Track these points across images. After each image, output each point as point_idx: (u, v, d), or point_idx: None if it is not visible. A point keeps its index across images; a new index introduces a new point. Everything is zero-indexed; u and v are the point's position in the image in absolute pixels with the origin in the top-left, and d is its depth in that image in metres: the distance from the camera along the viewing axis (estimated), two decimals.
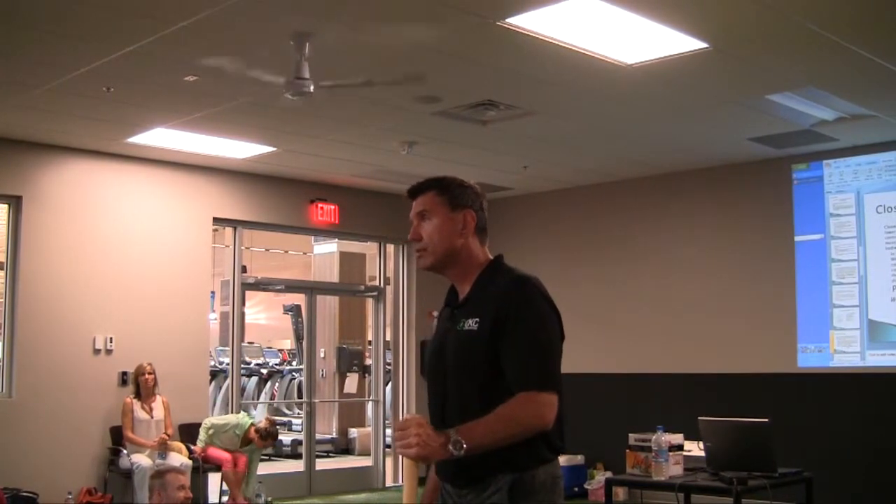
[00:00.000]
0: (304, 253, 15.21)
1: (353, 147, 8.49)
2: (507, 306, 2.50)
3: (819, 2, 5.15)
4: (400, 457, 2.41)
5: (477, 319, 2.54)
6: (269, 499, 8.76)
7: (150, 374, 8.26)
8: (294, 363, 14.51)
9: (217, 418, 8.84)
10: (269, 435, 8.62)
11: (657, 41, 5.68)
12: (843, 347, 8.39)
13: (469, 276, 2.66)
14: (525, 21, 5.33)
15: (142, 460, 7.92)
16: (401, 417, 8.87)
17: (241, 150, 8.54)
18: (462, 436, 2.30)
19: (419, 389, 10.54)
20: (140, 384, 8.24)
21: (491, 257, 2.71)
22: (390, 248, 11.04)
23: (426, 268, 2.69)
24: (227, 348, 10.61)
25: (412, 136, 8.07)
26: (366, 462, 11.01)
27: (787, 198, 8.78)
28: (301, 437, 11.05)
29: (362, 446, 12.34)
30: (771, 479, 5.27)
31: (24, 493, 7.61)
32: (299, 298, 12.92)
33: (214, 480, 8.76)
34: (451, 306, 2.70)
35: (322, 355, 12.94)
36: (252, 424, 8.64)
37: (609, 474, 8.81)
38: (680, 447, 5.52)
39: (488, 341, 2.50)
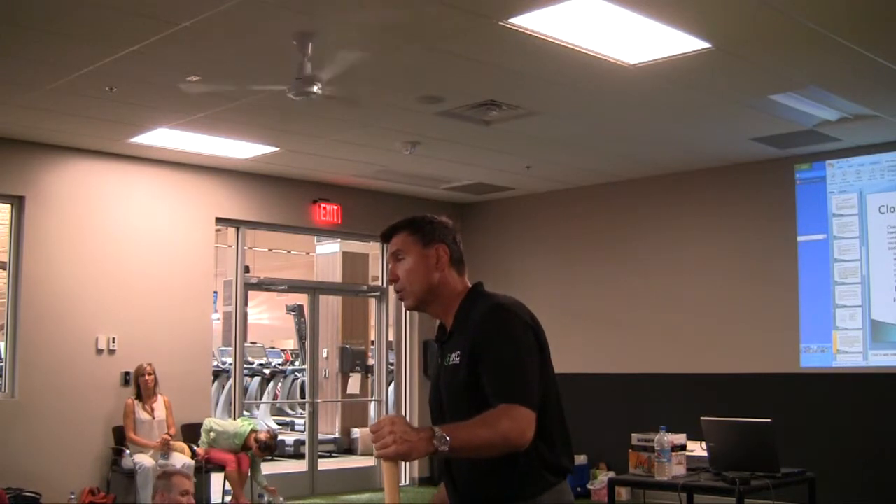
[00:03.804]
0: (307, 253, 15.22)
1: (355, 147, 8.50)
2: (482, 334, 2.51)
3: (821, 2, 5.15)
4: (380, 460, 2.35)
5: (458, 353, 2.56)
6: (274, 499, 8.77)
7: (150, 374, 8.26)
8: (297, 363, 14.51)
9: (217, 422, 8.82)
10: (266, 448, 8.64)
11: (660, 41, 5.68)
12: (845, 347, 8.38)
13: (451, 309, 2.68)
14: (528, 21, 5.33)
15: (144, 460, 7.92)
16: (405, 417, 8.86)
17: (243, 150, 8.55)
18: (447, 433, 2.27)
19: (422, 389, 10.55)
20: (140, 385, 8.24)
21: (470, 286, 2.71)
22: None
23: (410, 308, 2.73)
24: (229, 348, 10.62)
25: (415, 136, 8.07)
26: (368, 462, 11.01)
27: (789, 198, 8.77)
28: (304, 437, 11.05)
29: (365, 446, 12.36)
30: (774, 479, 5.27)
31: (27, 493, 7.61)
32: (302, 298, 12.92)
33: (217, 480, 8.77)
34: (440, 341, 2.72)
35: (325, 355, 12.96)
36: (253, 431, 8.65)
37: (612, 474, 8.81)
38: (683, 447, 5.52)
39: (471, 372, 2.50)
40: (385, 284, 11.02)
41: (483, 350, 2.49)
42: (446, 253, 2.68)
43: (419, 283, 2.67)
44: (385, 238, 2.77)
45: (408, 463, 2.39)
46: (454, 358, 2.57)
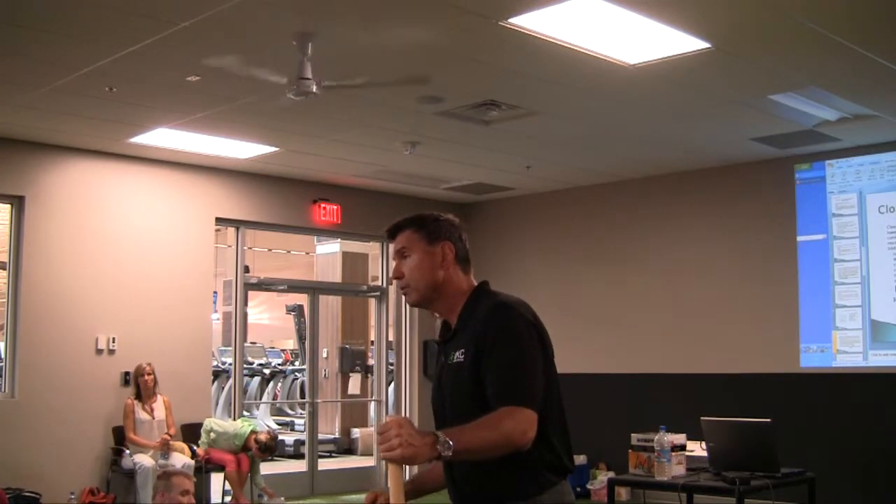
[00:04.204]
0: (307, 253, 15.22)
1: (355, 147, 8.50)
2: (486, 333, 2.50)
3: (821, 2, 5.15)
4: (384, 461, 2.33)
5: (463, 350, 2.55)
6: (273, 501, 8.77)
7: (149, 374, 8.26)
8: (297, 363, 14.52)
9: (218, 423, 8.83)
10: (266, 449, 8.65)
11: (660, 41, 5.68)
12: (845, 347, 8.38)
13: (456, 308, 2.66)
14: (528, 21, 5.33)
15: (144, 460, 7.92)
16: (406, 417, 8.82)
17: (243, 150, 8.55)
18: (450, 437, 2.27)
19: (422, 389, 10.54)
20: (140, 385, 8.24)
21: (476, 284, 2.71)
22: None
23: (413, 304, 2.73)
24: (229, 348, 10.61)
25: (415, 136, 8.07)
26: (368, 462, 11.03)
27: (789, 198, 8.77)
28: (303, 437, 11.05)
29: (365, 446, 12.36)
30: (774, 479, 5.27)
31: (27, 494, 7.61)
32: (302, 298, 12.92)
33: (217, 480, 8.77)
34: (444, 340, 2.71)
35: (325, 355, 12.95)
36: (253, 432, 8.65)
37: (612, 474, 8.81)
38: (682, 447, 5.52)
39: (474, 371, 2.50)
40: (385, 284, 11.02)
41: (486, 349, 2.48)
42: (451, 250, 2.68)
43: (424, 280, 2.66)
44: (390, 235, 2.76)
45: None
46: (458, 356, 2.56)
